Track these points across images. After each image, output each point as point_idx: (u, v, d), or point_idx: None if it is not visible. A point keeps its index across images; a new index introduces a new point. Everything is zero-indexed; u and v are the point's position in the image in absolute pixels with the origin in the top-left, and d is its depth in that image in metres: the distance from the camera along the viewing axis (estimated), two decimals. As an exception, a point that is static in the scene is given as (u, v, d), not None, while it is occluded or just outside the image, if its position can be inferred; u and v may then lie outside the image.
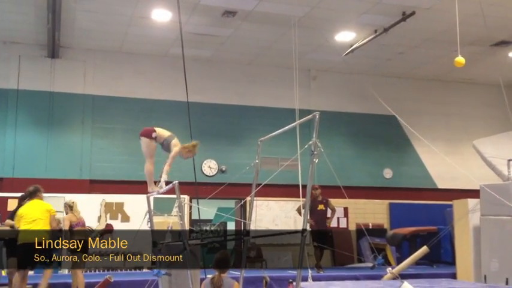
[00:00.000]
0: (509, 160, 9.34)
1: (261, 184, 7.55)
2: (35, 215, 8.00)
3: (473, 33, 11.41)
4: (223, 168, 13.49)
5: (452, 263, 11.14)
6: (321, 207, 11.14)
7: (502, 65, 13.59)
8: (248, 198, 7.96)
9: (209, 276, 5.21)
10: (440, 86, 15.60)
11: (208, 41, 12.46)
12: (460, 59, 8.47)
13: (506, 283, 8.39)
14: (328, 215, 11.25)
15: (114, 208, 12.01)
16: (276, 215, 13.69)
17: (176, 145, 7.02)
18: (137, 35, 12.12)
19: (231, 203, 13.33)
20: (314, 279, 8.99)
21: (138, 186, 12.17)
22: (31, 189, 8.37)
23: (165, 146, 7.15)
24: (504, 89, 11.59)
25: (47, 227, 7.98)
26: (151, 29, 11.71)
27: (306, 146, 6.34)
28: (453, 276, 10.40)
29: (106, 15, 10.99)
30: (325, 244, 10.87)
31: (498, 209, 8.72)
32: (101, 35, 12.13)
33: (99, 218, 11.93)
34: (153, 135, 7.11)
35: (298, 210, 11.23)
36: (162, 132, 7.17)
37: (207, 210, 11.33)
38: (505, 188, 8.80)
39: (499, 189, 8.78)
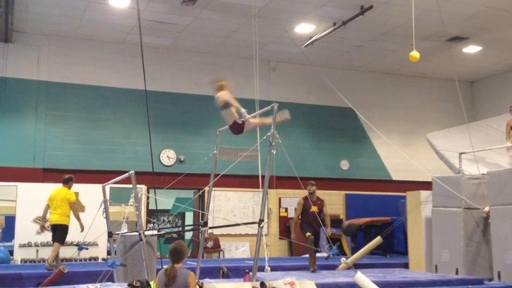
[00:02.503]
0: (460, 153, 9.61)
1: (219, 174, 7.53)
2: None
3: (429, 28, 11.66)
4: (182, 158, 13.40)
5: (405, 253, 11.43)
6: (314, 208, 9.55)
7: (456, 60, 13.95)
8: (206, 189, 7.93)
9: (165, 266, 5.17)
10: (396, 79, 15.91)
11: (167, 29, 12.30)
12: (415, 54, 8.62)
13: (456, 273, 8.65)
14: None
15: (68, 198, 11.73)
16: (234, 205, 13.72)
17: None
18: (94, 21, 11.84)
19: (189, 193, 13.27)
20: (271, 269, 9.04)
21: (93, 176, 11.98)
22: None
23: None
24: (458, 83, 11.89)
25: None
26: (109, 15, 11.46)
27: (265, 137, 6.37)
28: (405, 266, 10.68)
29: (61, -1, 10.69)
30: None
31: (449, 201, 8.96)
32: (56, 20, 11.79)
33: (53, 207, 11.65)
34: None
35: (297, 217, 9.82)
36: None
37: (165, 200, 11.25)
38: (456, 181, 9.05)
39: (451, 182, 9.02)
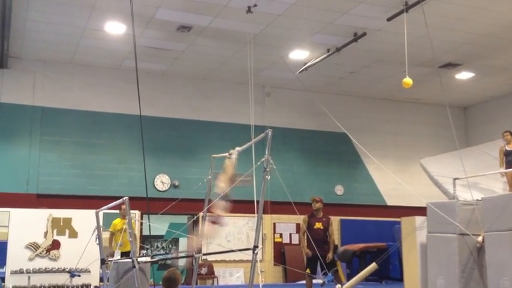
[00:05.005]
0: (454, 179, 9.61)
1: (213, 200, 7.49)
2: None
3: (421, 54, 11.79)
4: (176, 183, 13.36)
5: (400, 279, 11.32)
6: (318, 225, 9.32)
7: (449, 86, 14.08)
8: (201, 214, 7.88)
9: (158, 294, 5.12)
10: (390, 105, 16.02)
11: (162, 55, 12.40)
12: (408, 80, 8.69)
13: (451, 299, 8.57)
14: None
15: (61, 223, 11.67)
16: (228, 231, 13.62)
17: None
18: (90, 47, 11.92)
19: (183, 219, 13.19)
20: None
21: (86, 201, 11.92)
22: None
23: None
24: (450, 109, 11.99)
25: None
26: (105, 41, 11.55)
27: (259, 163, 6.36)
28: (401, 292, 10.58)
29: (58, 26, 10.77)
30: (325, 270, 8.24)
31: (444, 227, 8.92)
32: (52, 46, 11.87)
33: (46, 233, 11.57)
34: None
35: (303, 231, 9.59)
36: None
37: (158, 227, 11.19)
38: (450, 206, 9.03)
39: (445, 207, 8.99)
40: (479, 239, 8.56)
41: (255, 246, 5.51)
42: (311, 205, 9.78)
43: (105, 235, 9.13)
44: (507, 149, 10.07)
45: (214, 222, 6.62)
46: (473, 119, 16.60)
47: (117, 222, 10.34)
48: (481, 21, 10.48)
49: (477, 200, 9.00)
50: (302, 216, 9.60)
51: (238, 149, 6.36)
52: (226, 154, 6.51)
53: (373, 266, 10.78)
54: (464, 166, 8.91)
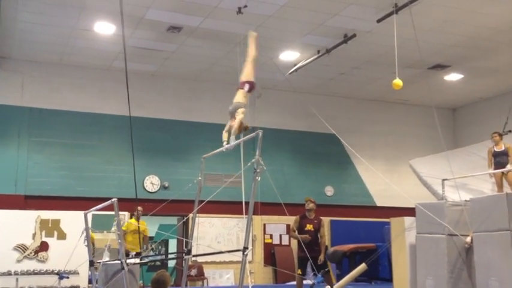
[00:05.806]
0: (443, 180, 9.66)
1: (204, 201, 7.47)
2: None
3: (411, 56, 11.84)
4: (166, 185, 13.32)
5: (389, 280, 11.36)
6: (309, 227, 9.27)
7: (437, 87, 14.16)
8: (191, 215, 7.86)
9: (147, 296, 5.10)
10: (379, 106, 16.08)
11: (152, 56, 12.36)
12: (398, 81, 8.73)
13: (440, 299, 8.61)
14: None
15: (50, 225, 11.55)
16: (218, 232, 13.61)
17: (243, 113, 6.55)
18: (79, 48, 11.86)
19: (173, 220, 13.15)
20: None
21: (75, 203, 11.84)
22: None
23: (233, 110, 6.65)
24: (439, 110, 12.06)
25: None
26: (94, 42, 11.49)
27: (249, 164, 6.35)
28: (390, 293, 10.61)
29: (47, 26, 10.70)
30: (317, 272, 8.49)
31: (433, 227, 8.96)
32: (40, 47, 11.79)
33: (34, 235, 11.46)
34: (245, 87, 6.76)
35: (292, 230, 9.55)
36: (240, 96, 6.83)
37: (148, 228, 11.11)
38: (439, 207, 9.07)
39: (434, 208, 9.04)
40: (468, 239, 8.61)
41: (245, 248, 5.50)
42: (301, 206, 9.76)
43: (94, 236, 9.07)
44: (495, 150, 10.14)
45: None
46: (461, 120, 16.71)
47: (133, 221, 10.42)
48: (470, 23, 10.56)
49: (466, 200, 9.05)
50: (292, 217, 9.58)
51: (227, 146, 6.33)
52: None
53: (362, 266, 10.78)
54: (452, 167, 8.96)
